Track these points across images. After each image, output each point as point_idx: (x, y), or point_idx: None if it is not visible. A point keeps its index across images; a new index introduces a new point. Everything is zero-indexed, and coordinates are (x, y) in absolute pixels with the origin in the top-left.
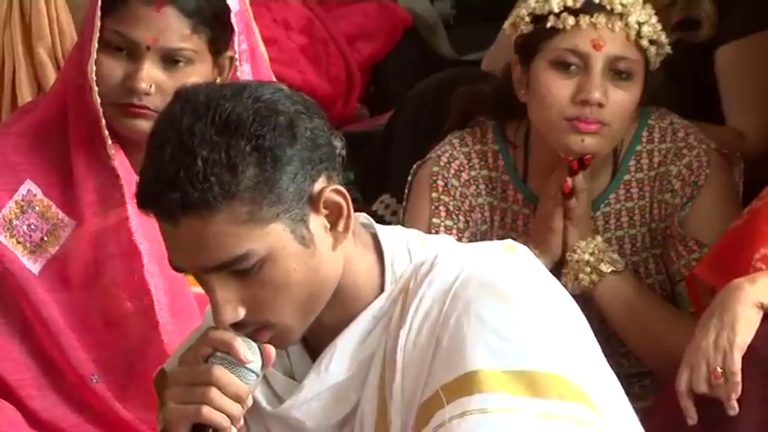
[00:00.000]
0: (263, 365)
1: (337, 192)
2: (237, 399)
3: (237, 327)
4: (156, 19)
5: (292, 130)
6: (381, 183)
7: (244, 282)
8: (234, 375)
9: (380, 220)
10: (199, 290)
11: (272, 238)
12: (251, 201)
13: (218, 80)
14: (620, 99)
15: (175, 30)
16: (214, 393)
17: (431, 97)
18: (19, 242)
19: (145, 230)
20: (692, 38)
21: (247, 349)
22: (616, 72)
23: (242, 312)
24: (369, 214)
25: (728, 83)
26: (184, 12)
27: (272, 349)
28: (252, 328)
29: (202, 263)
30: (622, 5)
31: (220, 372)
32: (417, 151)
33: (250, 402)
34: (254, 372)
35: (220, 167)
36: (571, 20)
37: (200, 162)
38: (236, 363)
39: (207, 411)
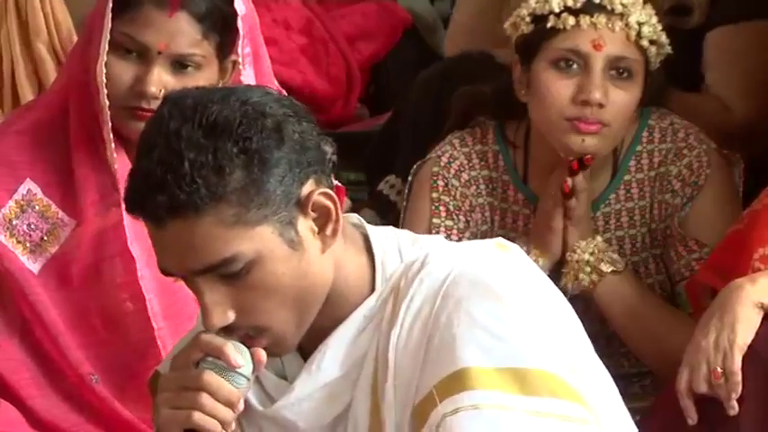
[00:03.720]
0: (254, 369)
1: (326, 195)
2: (229, 404)
3: (228, 330)
4: (168, 24)
5: (280, 133)
6: (388, 164)
7: (232, 285)
8: (224, 380)
9: (386, 199)
10: None
11: (260, 240)
12: (238, 203)
13: (220, 84)
14: (620, 99)
15: (187, 35)
16: (205, 399)
17: (436, 83)
18: (19, 241)
19: (138, 233)
20: (682, 24)
21: (238, 354)
22: (616, 72)
23: (231, 316)
24: (374, 195)
25: (716, 64)
26: (196, 17)
27: (262, 353)
28: (243, 332)
29: (190, 266)
30: (623, 5)
31: (211, 377)
32: (422, 134)
33: (241, 407)
34: (244, 376)
35: (207, 170)
36: (571, 20)
37: (187, 164)
38: (226, 367)
39: (198, 417)
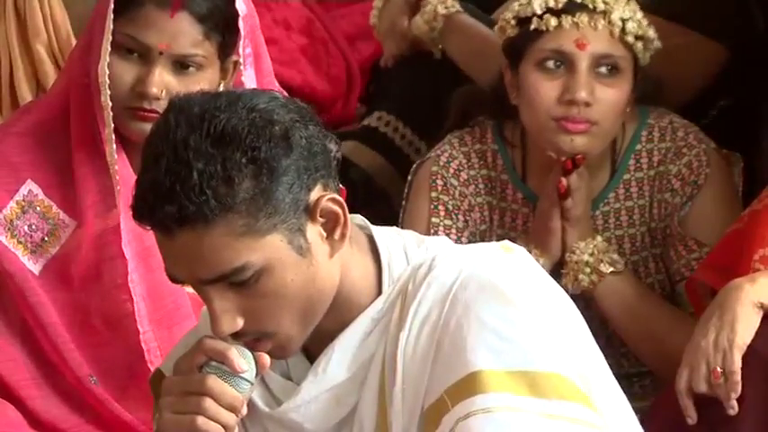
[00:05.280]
0: (258, 373)
1: (333, 200)
2: (232, 408)
3: (236, 336)
4: (170, 24)
5: (288, 141)
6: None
7: (242, 292)
8: (228, 385)
9: (374, 131)
10: (192, 290)
11: (270, 249)
12: (247, 213)
13: (221, 84)
14: (607, 97)
15: (188, 35)
16: (208, 404)
17: None
18: (20, 242)
19: (131, 236)
20: None
21: (241, 359)
22: (604, 69)
23: (240, 322)
24: (363, 128)
25: None
26: (197, 17)
27: (266, 357)
28: (251, 338)
29: (200, 275)
30: (604, 3)
31: (214, 382)
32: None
33: (245, 411)
34: (248, 380)
35: (216, 180)
36: (554, 21)
37: (196, 175)
38: (230, 372)
39: (202, 422)
